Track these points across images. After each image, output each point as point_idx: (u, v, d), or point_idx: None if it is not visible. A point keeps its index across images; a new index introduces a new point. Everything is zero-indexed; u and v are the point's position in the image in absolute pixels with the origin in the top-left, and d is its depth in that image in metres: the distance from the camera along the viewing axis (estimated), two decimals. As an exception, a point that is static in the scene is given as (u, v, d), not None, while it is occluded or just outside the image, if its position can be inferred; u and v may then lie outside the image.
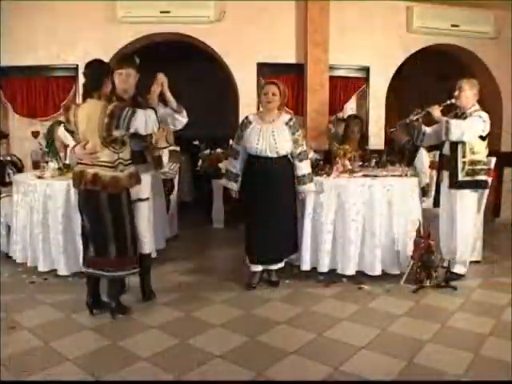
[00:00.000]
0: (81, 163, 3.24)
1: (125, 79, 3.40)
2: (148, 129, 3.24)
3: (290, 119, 3.82)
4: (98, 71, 3.21)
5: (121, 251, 3.24)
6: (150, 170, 3.57)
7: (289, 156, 3.82)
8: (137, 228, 3.45)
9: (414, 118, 4.02)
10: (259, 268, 3.90)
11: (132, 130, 3.17)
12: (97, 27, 5.66)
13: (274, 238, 3.79)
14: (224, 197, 5.85)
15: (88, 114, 3.13)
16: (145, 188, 3.50)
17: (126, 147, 3.24)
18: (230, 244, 5.15)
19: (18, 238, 4.25)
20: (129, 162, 3.26)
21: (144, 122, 3.18)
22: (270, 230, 3.77)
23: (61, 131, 4.11)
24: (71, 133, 3.39)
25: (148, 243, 3.58)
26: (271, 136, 3.70)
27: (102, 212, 3.19)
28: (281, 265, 3.96)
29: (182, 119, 3.62)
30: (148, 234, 3.57)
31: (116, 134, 3.11)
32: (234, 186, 3.91)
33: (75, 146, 3.31)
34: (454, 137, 3.78)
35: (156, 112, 3.28)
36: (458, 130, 3.76)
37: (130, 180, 3.25)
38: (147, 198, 3.54)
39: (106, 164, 3.14)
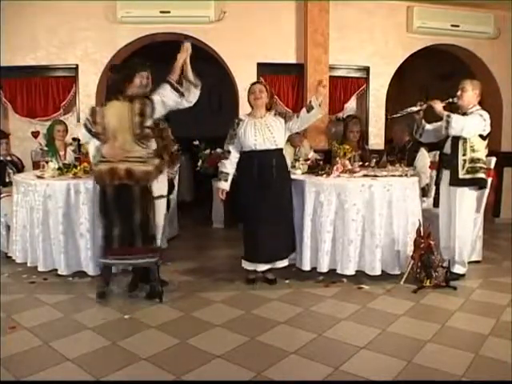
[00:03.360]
0: (107, 161, 3.44)
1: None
2: (169, 101, 3.46)
3: (275, 111, 4.00)
4: (119, 77, 3.51)
5: (145, 242, 3.50)
6: (164, 168, 3.70)
7: (284, 151, 3.95)
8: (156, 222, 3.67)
9: (416, 110, 4.04)
10: (261, 267, 3.91)
11: (157, 115, 3.45)
12: (97, 27, 5.66)
13: (273, 235, 3.80)
14: (230, 196, 5.84)
15: (117, 114, 3.41)
16: (163, 185, 3.75)
17: (150, 142, 3.49)
18: (230, 244, 5.14)
19: (18, 238, 4.25)
20: (152, 155, 3.50)
21: (160, 101, 3.43)
22: (269, 228, 3.78)
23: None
24: (91, 133, 3.55)
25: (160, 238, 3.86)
26: (266, 128, 3.80)
27: (133, 205, 3.44)
28: (285, 263, 3.95)
29: (196, 92, 3.67)
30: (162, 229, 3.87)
31: (147, 128, 3.42)
32: (225, 185, 3.95)
33: (103, 144, 3.51)
34: (453, 131, 3.79)
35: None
36: (458, 124, 3.77)
37: (157, 172, 3.52)
38: (163, 195, 3.76)
39: (138, 159, 3.41)
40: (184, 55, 3.52)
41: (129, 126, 3.39)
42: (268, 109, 3.94)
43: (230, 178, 3.94)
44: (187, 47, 3.55)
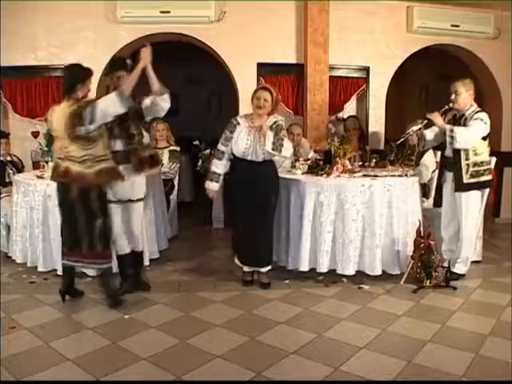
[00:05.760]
0: (58, 158, 3.43)
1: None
2: (111, 110, 3.23)
3: (275, 122, 3.82)
4: (72, 76, 3.38)
5: (90, 245, 3.38)
6: (131, 171, 3.57)
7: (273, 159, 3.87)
8: (130, 226, 3.69)
9: (416, 129, 4.06)
10: (245, 269, 3.95)
11: (99, 122, 3.25)
12: (97, 27, 5.66)
13: (261, 241, 3.82)
14: (224, 197, 5.85)
15: (59, 114, 3.31)
16: (137, 188, 3.68)
17: (95, 144, 3.32)
18: (230, 244, 5.14)
19: (18, 238, 4.25)
20: (101, 158, 3.34)
21: (105, 108, 3.22)
22: (250, 233, 3.79)
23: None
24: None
25: (140, 242, 3.83)
26: (258, 142, 3.70)
27: (73, 205, 3.34)
28: (268, 267, 3.91)
29: (164, 104, 3.54)
30: (139, 234, 3.82)
31: (82, 131, 3.23)
32: (215, 186, 3.93)
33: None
34: (459, 145, 3.80)
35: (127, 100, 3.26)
36: (463, 138, 3.78)
37: (98, 177, 3.32)
38: (139, 199, 3.71)
39: (74, 159, 3.31)
40: (143, 62, 3.32)
41: (64, 126, 3.28)
42: (270, 113, 3.83)
43: (221, 179, 3.93)
44: (146, 53, 3.34)
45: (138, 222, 3.76)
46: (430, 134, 4.10)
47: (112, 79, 3.56)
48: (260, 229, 3.81)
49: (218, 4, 5.68)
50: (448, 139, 3.83)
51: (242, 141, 3.74)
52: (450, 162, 3.99)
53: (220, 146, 3.88)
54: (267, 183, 3.83)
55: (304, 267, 3.98)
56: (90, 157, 3.30)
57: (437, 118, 3.91)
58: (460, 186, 3.92)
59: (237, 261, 4.02)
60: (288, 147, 3.76)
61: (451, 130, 3.80)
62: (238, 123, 3.82)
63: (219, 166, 3.89)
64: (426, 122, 4.01)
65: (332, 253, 3.95)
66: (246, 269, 3.96)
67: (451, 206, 4.06)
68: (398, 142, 4.18)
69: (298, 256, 4.00)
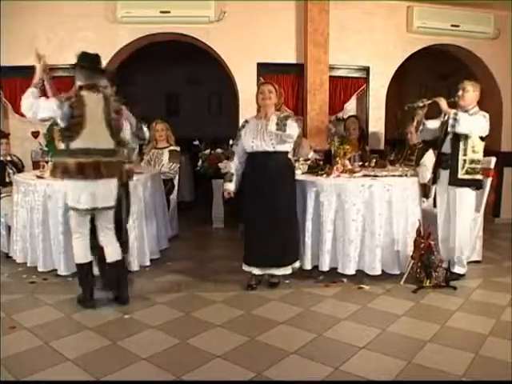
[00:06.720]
0: None
1: None
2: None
3: (282, 113, 3.83)
4: None
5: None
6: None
7: (289, 155, 3.85)
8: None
9: (421, 105, 4.06)
10: (256, 271, 3.86)
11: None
12: (97, 27, 5.67)
13: (272, 241, 3.74)
14: (224, 197, 5.85)
15: None
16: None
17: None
18: (230, 244, 5.15)
19: (18, 238, 4.25)
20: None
21: None
22: (268, 233, 3.74)
23: None
24: None
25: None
26: (265, 131, 3.70)
27: None
28: (284, 271, 3.86)
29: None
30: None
31: None
32: (229, 186, 3.89)
33: None
34: (461, 129, 3.79)
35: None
36: (466, 123, 3.78)
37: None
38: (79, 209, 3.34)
39: None
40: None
41: None
42: (277, 109, 3.82)
43: (234, 179, 3.88)
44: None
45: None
46: (429, 124, 4.11)
47: None
48: (274, 226, 3.73)
49: (217, 4, 5.69)
50: (451, 122, 3.80)
51: (250, 133, 3.77)
52: (447, 159, 3.99)
53: (231, 147, 3.98)
54: (280, 177, 3.76)
55: (307, 266, 3.99)
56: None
57: (442, 101, 3.93)
58: (454, 181, 3.92)
59: (245, 267, 3.90)
60: (292, 125, 3.67)
61: (455, 113, 3.82)
62: (247, 121, 3.88)
63: (232, 166, 3.91)
64: (430, 101, 4.01)
65: (333, 252, 3.95)
66: (255, 271, 3.86)
67: (446, 203, 4.06)
68: (410, 106, 4.17)
69: (302, 255, 3.99)
